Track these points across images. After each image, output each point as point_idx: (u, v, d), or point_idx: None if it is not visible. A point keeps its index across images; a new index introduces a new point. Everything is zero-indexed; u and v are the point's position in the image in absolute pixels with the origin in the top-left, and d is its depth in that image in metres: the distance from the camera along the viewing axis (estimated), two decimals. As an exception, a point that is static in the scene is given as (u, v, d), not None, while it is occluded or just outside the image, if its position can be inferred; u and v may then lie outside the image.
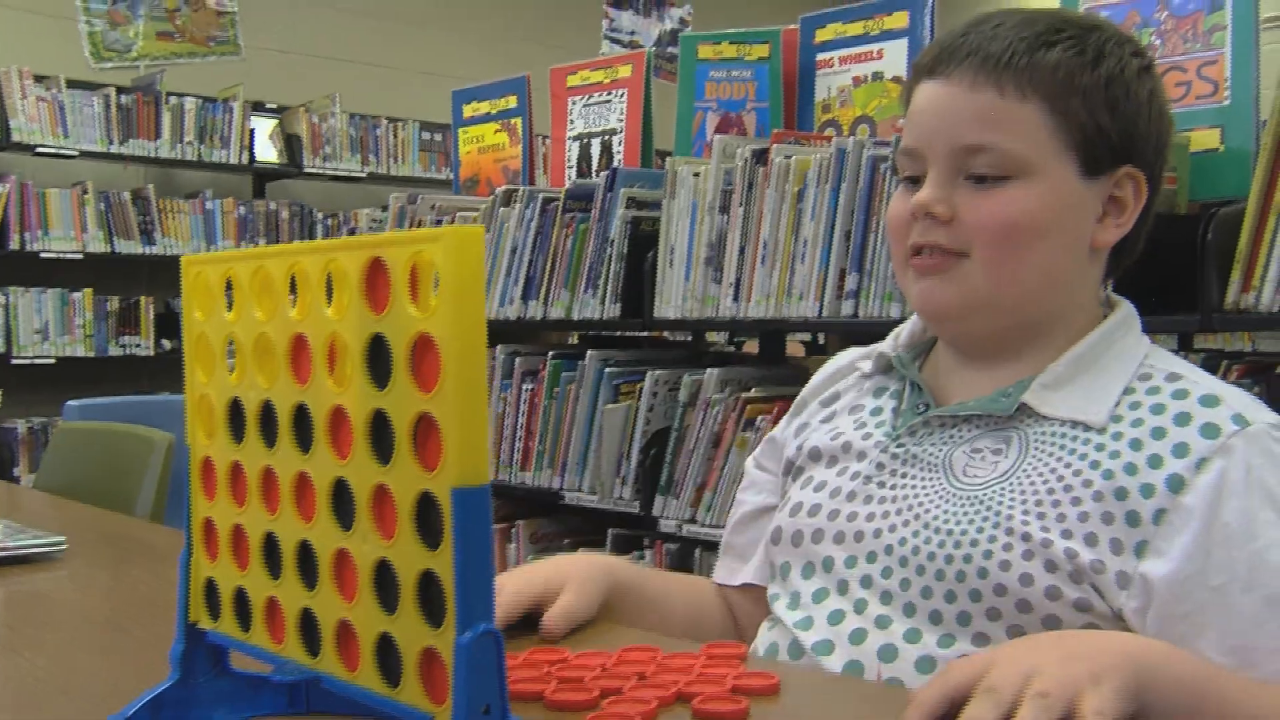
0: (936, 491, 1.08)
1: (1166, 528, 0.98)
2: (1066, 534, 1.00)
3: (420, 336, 0.61)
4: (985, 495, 1.05)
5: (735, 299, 2.50)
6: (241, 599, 0.77)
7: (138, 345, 5.74)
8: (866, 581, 1.08)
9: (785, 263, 2.40)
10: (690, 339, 3.51)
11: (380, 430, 0.65)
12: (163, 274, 5.96)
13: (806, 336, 5.06)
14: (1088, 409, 1.05)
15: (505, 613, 1.03)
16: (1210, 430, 1.00)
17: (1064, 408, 1.06)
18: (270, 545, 0.75)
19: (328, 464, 0.69)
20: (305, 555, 0.72)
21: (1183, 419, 1.02)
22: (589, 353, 2.83)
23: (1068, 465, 1.03)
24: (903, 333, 1.23)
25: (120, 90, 5.70)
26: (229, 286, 0.77)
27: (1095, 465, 1.02)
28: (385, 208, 3.67)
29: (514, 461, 3.02)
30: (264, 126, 6.22)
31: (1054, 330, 1.11)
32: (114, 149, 5.66)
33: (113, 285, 5.75)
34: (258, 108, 6.18)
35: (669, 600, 1.21)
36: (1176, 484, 0.99)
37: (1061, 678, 0.78)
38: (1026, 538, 1.00)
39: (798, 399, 1.29)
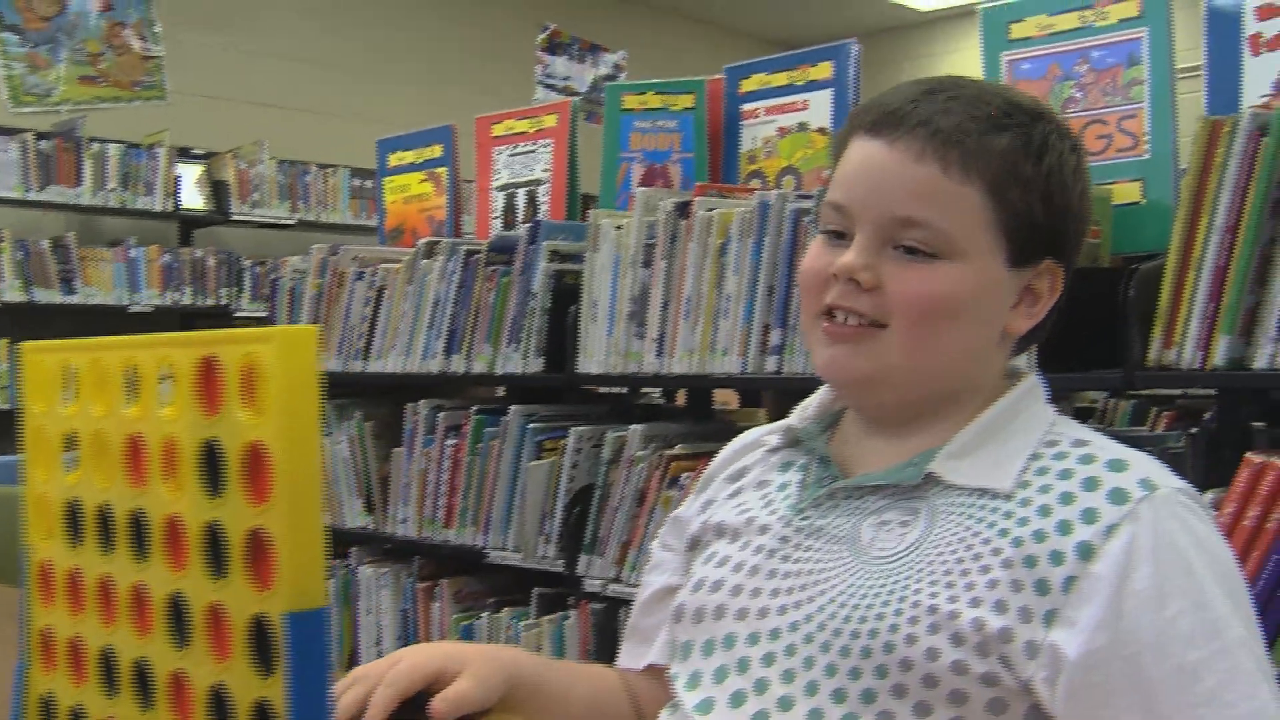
0: (842, 565, 1.05)
1: (1076, 596, 0.96)
2: (974, 603, 0.97)
3: (252, 444, 0.56)
4: (892, 568, 1.02)
5: (659, 354, 2.45)
6: (78, 718, 0.71)
7: (58, 396, 5.60)
8: (769, 659, 1.04)
9: (709, 317, 2.36)
10: (626, 391, 3.47)
11: (215, 543, 0.60)
12: (83, 323, 5.82)
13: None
14: (994, 476, 1.04)
15: (398, 688, 1.02)
16: (1119, 496, 0.99)
17: (970, 476, 1.04)
18: (108, 660, 0.69)
19: (164, 575, 0.63)
20: (142, 674, 0.66)
21: (1091, 484, 1.01)
22: (512, 408, 2.77)
23: (975, 534, 1.01)
24: (810, 405, 1.20)
25: (40, 135, 5.58)
26: (70, 377, 0.72)
27: (1004, 533, 1.00)
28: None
29: (437, 519, 2.95)
30: (190, 173, 6.12)
31: (961, 402, 1.09)
32: (32, 195, 5.54)
33: (30, 335, 5.55)
34: (184, 153, 6.08)
35: (570, 694, 1.17)
36: (1086, 551, 0.97)
37: None
38: (933, 610, 0.98)
39: (704, 475, 1.25)
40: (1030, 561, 0.98)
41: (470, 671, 1.06)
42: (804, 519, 1.10)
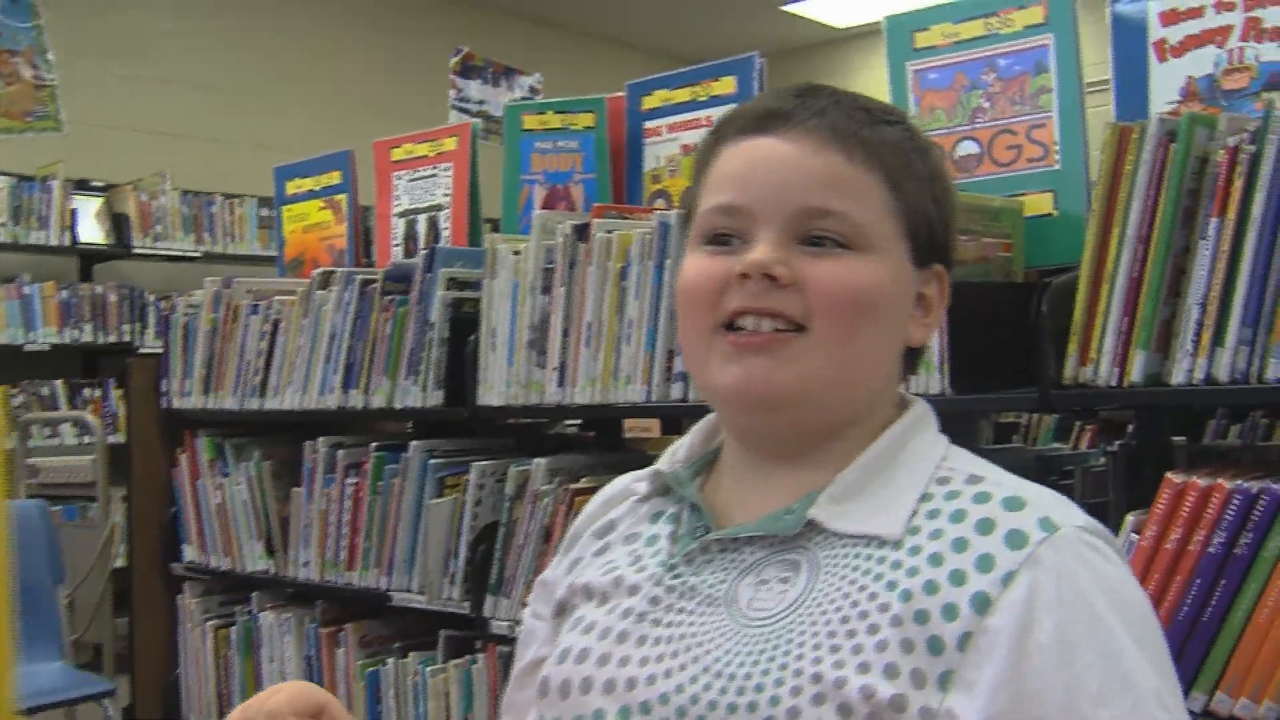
0: (718, 629, 0.94)
1: (974, 654, 0.87)
2: (863, 668, 0.87)
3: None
4: (771, 631, 0.92)
5: (560, 384, 2.34)
6: None
7: (-49, 440, 5.38)
8: None
9: (610, 344, 2.26)
10: (540, 421, 3.35)
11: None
12: (-23, 362, 5.62)
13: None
14: (881, 522, 0.94)
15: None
16: (1016, 539, 0.90)
17: (855, 522, 0.95)
18: None
19: None
20: None
21: (985, 526, 0.92)
22: (412, 444, 2.65)
23: (862, 588, 0.91)
24: (681, 448, 1.09)
25: (-74, 168, 5.39)
26: None
27: (892, 586, 0.90)
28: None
29: (340, 561, 2.82)
30: (89, 206, 5.92)
31: (851, 432, 1.00)
32: (-83, 233, 5.34)
33: (-77, 378, 5.38)
34: (81, 185, 5.87)
35: None
36: (982, 603, 0.88)
37: None
38: (817, 678, 0.88)
39: (570, 533, 1.14)
40: (921, 617, 0.88)
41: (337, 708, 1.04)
42: (675, 576, 0.99)
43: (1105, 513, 1.96)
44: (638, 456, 2.73)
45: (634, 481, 1.11)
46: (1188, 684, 1.61)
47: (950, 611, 0.88)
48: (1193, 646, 1.62)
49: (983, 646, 0.86)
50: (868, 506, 0.95)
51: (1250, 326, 1.63)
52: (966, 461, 1.00)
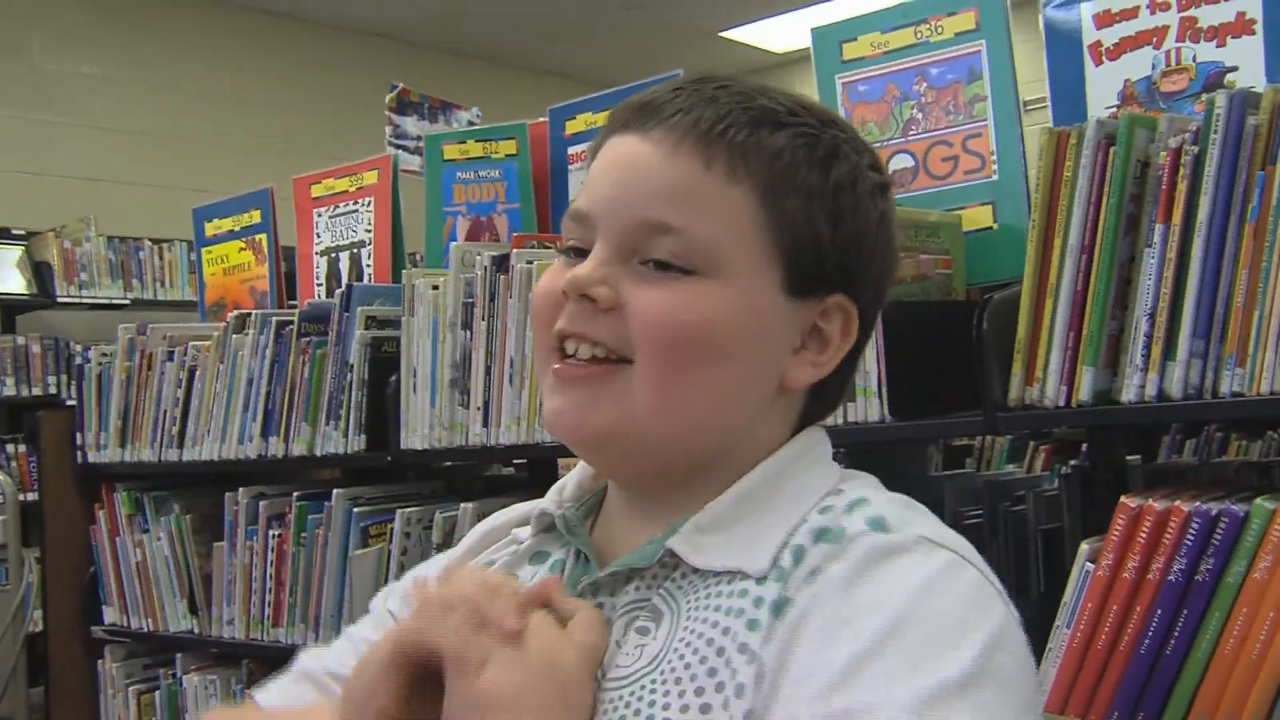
0: None
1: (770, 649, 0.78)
2: None
3: None
4: (629, 693, 0.80)
5: (485, 424, 2.22)
6: None
7: None
8: None
9: (535, 381, 2.14)
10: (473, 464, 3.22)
11: None
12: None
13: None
14: (745, 556, 0.82)
15: None
16: (835, 535, 0.80)
17: (718, 557, 0.83)
18: None
19: None
20: None
21: (819, 534, 0.82)
22: (335, 492, 2.52)
23: (725, 631, 0.79)
24: (567, 485, 0.97)
25: None
26: None
27: (753, 625, 0.78)
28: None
29: (265, 618, 2.68)
30: (9, 255, 5.74)
31: (723, 465, 0.87)
32: None
33: None
34: (1, 235, 5.70)
35: None
36: (778, 607, 0.79)
37: None
38: None
39: (442, 569, 1.00)
40: (764, 643, 0.78)
41: None
42: None
43: (1060, 540, 1.87)
44: (572, 496, 2.61)
45: (516, 524, 0.99)
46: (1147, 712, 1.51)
47: (757, 628, 0.78)
48: (1157, 680, 1.52)
49: (772, 644, 0.77)
50: (734, 539, 0.83)
51: (1202, 338, 1.55)
52: (859, 488, 0.87)
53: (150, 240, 6.20)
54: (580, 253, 0.86)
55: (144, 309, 6.14)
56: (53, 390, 5.68)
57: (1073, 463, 1.99)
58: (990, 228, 2.07)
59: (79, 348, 5.86)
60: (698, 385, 0.83)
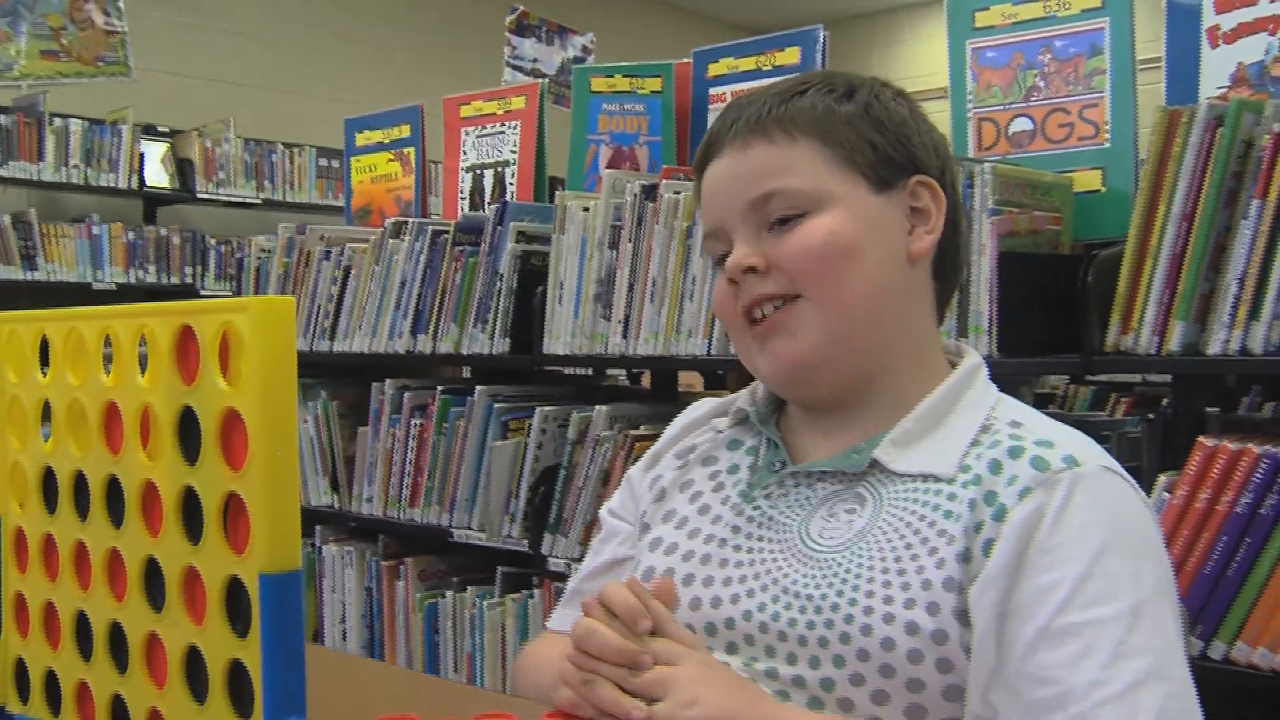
0: (793, 555, 1.06)
1: (991, 557, 0.99)
2: (926, 586, 0.99)
3: (228, 411, 0.58)
4: (842, 558, 1.03)
5: (624, 335, 2.47)
6: (52, 682, 0.73)
7: (19, 374, 5.56)
8: (732, 648, 1.06)
9: (674, 299, 2.38)
10: (591, 373, 3.48)
11: (191, 508, 0.61)
12: (46, 300, 5.78)
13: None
14: (937, 462, 1.06)
15: None
16: (1039, 464, 1.02)
17: (914, 463, 1.07)
18: (82, 625, 0.70)
19: (139, 541, 0.65)
20: (117, 637, 0.67)
21: (1016, 452, 1.04)
22: (478, 388, 2.78)
23: (921, 518, 1.03)
24: (759, 388, 1.21)
25: (0, 109, 5.53)
26: (44, 347, 0.73)
27: (948, 515, 1.02)
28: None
29: (403, 498, 2.96)
30: (155, 150, 6.08)
31: (901, 376, 1.11)
32: (-7, 170, 5.51)
33: (-7, 312, 5.56)
34: (148, 131, 6.03)
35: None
36: (1000, 513, 1.00)
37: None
38: (888, 600, 0.99)
39: (652, 450, 1.26)
40: (968, 533, 1.00)
41: None
42: (755, 508, 1.11)
43: (1139, 475, 2.07)
44: (692, 408, 2.85)
45: (715, 415, 1.23)
46: (1210, 634, 1.73)
47: (980, 526, 1.00)
48: (1217, 599, 1.74)
49: (998, 549, 0.98)
50: (925, 450, 1.07)
51: (1285, 302, 1.74)
52: (1012, 409, 1.11)
53: (283, 144, 6.50)
54: (727, 257, 1.12)
55: (273, 209, 6.46)
56: (189, 280, 6.03)
57: (1163, 404, 2.19)
58: (1098, 190, 2.26)
59: (213, 241, 6.22)
60: (850, 284, 1.08)
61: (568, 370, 3.38)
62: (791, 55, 2.73)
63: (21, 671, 0.75)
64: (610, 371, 3.62)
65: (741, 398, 1.21)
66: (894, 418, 1.09)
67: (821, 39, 2.70)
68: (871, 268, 1.09)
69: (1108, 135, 2.24)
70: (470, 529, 2.79)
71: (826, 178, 1.09)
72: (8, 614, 0.76)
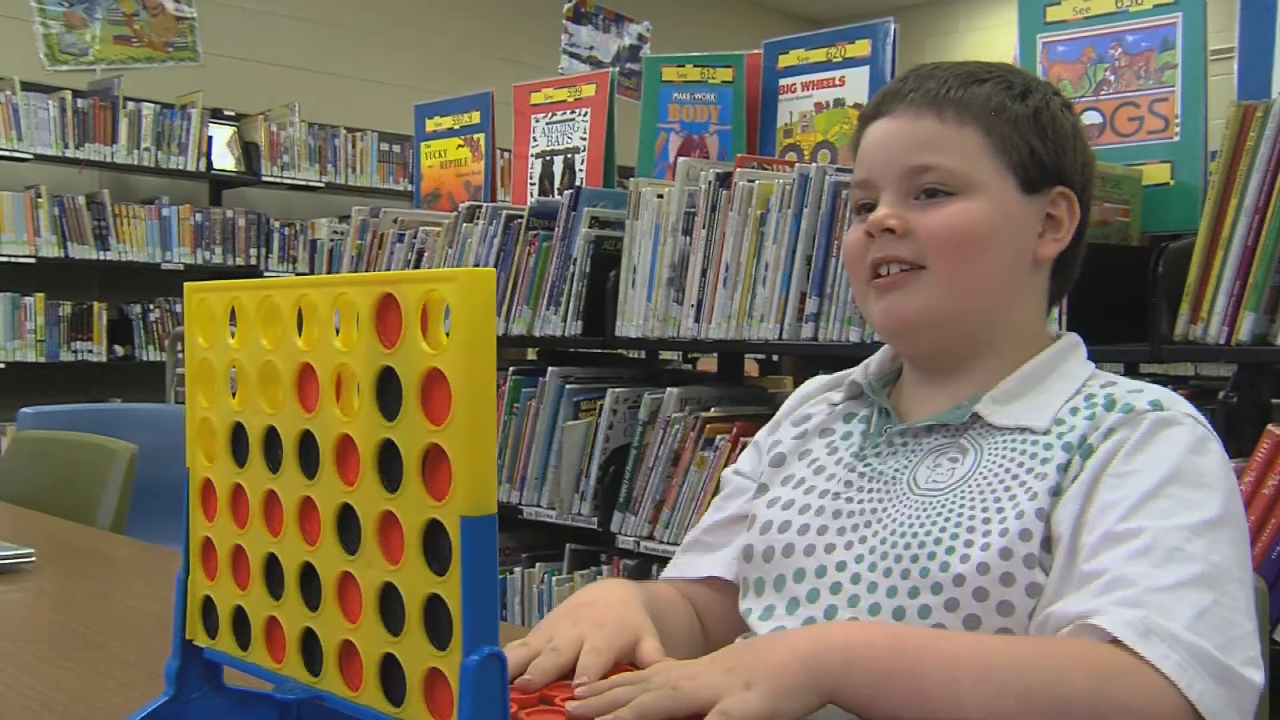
0: (901, 500, 1.14)
1: (1074, 482, 1.06)
2: (1020, 515, 1.06)
3: (431, 371, 0.64)
4: (945, 499, 1.11)
5: (696, 320, 2.53)
6: (240, 618, 0.80)
7: (90, 351, 5.69)
8: (836, 588, 1.13)
9: (746, 285, 2.44)
10: (644, 357, 3.55)
11: (388, 459, 0.68)
12: (117, 279, 5.92)
13: (762, 355, 5.11)
14: (1033, 417, 1.13)
15: (606, 658, 1.02)
16: (1127, 409, 1.09)
17: (1012, 417, 1.14)
18: (272, 566, 0.77)
19: (333, 489, 0.72)
20: (308, 577, 0.74)
21: (1109, 404, 1.11)
22: (550, 370, 2.86)
23: (1019, 464, 1.10)
24: (872, 364, 1.28)
25: (76, 94, 5.65)
26: (233, 314, 0.80)
27: (1045, 461, 1.09)
28: (345, 218, 3.68)
29: (473, 475, 3.03)
30: (221, 134, 6.20)
31: (1004, 349, 1.18)
32: (69, 153, 5.60)
33: (65, 290, 5.69)
34: (215, 115, 6.15)
35: (672, 624, 1.22)
36: (1088, 452, 1.07)
37: (707, 681, 0.90)
38: (986, 532, 1.06)
39: (773, 420, 1.34)
40: (1060, 470, 1.08)
41: (647, 632, 1.07)
42: (866, 465, 1.19)
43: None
44: (759, 391, 2.92)
45: (829, 389, 1.31)
46: (1277, 618, 1.78)
47: (1070, 465, 1.08)
48: (1281, 583, 1.79)
49: (1082, 476, 1.06)
50: (1022, 405, 1.14)
51: (1355, 294, 1.78)
52: (1108, 378, 1.17)
53: (345, 129, 6.60)
54: (867, 207, 1.20)
55: (336, 192, 6.56)
56: (254, 261, 6.15)
57: (1222, 394, 2.23)
58: (1167, 184, 2.30)
59: (276, 224, 6.33)
60: (975, 270, 1.15)
61: (630, 355, 3.45)
62: (862, 48, 2.79)
63: (209, 609, 0.83)
64: (664, 356, 3.69)
65: (855, 372, 1.28)
66: (994, 380, 1.16)
67: (892, 32, 2.75)
68: (998, 260, 1.16)
69: (1177, 129, 2.28)
70: (540, 506, 2.87)
71: (982, 166, 1.15)
72: (195, 558, 0.83)
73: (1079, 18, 2.41)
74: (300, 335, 0.74)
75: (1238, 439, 1.96)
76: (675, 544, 2.48)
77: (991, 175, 1.15)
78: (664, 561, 2.62)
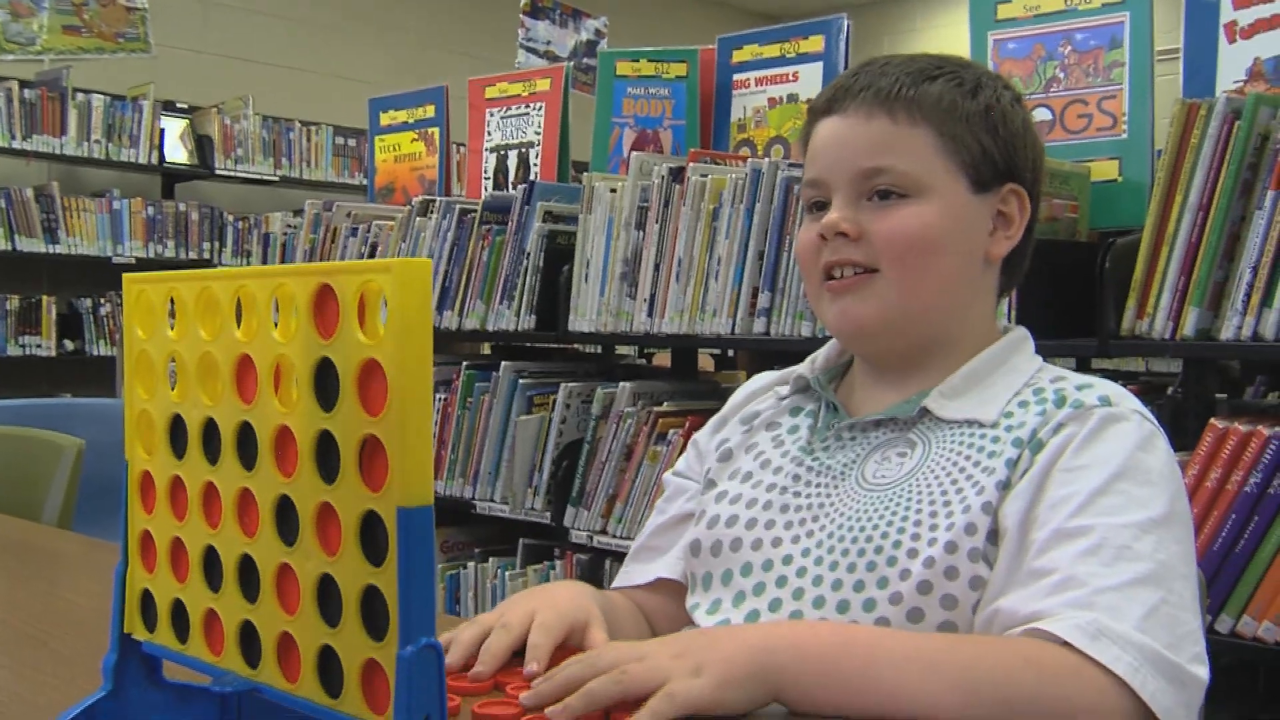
0: (848, 494, 1.14)
1: (1024, 479, 1.07)
2: (966, 509, 1.07)
3: (368, 362, 0.64)
4: (893, 493, 1.11)
5: (649, 314, 2.54)
6: (179, 611, 0.79)
7: (38, 346, 5.63)
8: (782, 581, 1.13)
9: (699, 279, 2.45)
10: (599, 351, 3.56)
11: (326, 450, 0.68)
12: (66, 273, 5.85)
13: (717, 350, 5.12)
14: (981, 410, 1.14)
15: (553, 635, 1.05)
16: (1076, 404, 1.10)
17: (960, 410, 1.14)
18: (210, 558, 0.77)
19: (271, 481, 0.71)
20: (246, 569, 0.74)
21: (1059, 400, 1.12)
22: (503, 364, 2.85)
23: (966, 457, 1.11)
24: (819, 358, 1.28)
25: (23, 84, 5.58)
26: (172, 306, 0.79)
27: (992, 454, 1.10)
28: (299, 212, 3.66)
29: (426, 470, 3.02)
30: (174, 126, 6.14)
31: (955, 347, 1.19)
32: (16, 144, 5.54)
33: (13, 284, 5.62)
34: (168, 107, 6.09)
35: (623, 625, 1.23)
36: (1038, 447, 1.08)
37: (655, 665, 0.90)
38: (933, 526, 1.07)
39: (718, 415, 1.34)
40: (1009, 465, 1.09)
41: (596, 620, 1.10)
42: (814, 459, 1.19)
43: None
44: (712, 385, 2.93)
45: (776, 384, 1.31)
46: (1218, 607, 1.81)
47: (1019, 460, 1.09)
48: (1225, 574, 1.81)
49: (1031, 472, 1.07)
50: (970, 399, 1.15)
51: (1297, 290, 1.81)
52: (1057, 372, 1.19)
53: (300, 122, 6.56)
54: (819, 206, 1.19)
55: (290, 186, 6.52)
56: (206, 255, 6.10)
57: (1169, 392, 2.26)
58: (1115, 180, 2.32)
59: (230, 217, 6.28)
60: (928, 273, 1.15)
61: (583, 349, 3.45)
62: (815, 43, 2.80)
63: (147, 602, 0.82)
64: (619, 350, 3.69)
65: (801, 367, 1.28)
66: (944, 377, 1.17)
67: (845, 27, 2.76)
68: (951, 263, 1.16)
69: (1125, 127, 2.31)
70: (493, 501, 2.86)
71: (934, 167, 1.15)
72: (134, 550, 0.83)
73: (1029, 15, 2.43)
74: (239, 326, 0.74)
75: (1182, 433, 1.98)
76: (628, 538, 2.48)
77: (944, 176, 1.15)
78: (617, 556, 2.64)
